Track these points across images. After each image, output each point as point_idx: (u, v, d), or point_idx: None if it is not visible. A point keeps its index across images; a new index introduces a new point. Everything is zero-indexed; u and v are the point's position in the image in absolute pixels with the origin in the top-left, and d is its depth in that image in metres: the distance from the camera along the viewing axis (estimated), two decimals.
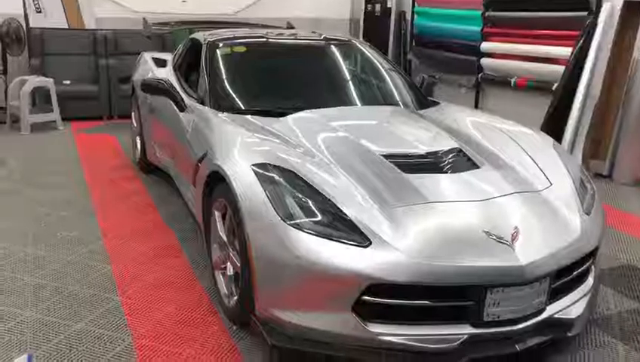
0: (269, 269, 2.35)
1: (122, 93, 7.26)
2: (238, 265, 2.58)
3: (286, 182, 2.44)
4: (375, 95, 3.86)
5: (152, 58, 5.05)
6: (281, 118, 3.25)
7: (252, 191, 2.44)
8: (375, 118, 3.40)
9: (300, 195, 2.39)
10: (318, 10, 8.95)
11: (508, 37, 6.61)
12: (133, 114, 5.30)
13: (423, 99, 3.94)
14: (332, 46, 4.12)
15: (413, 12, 8.20)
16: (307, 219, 2.31)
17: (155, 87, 3.67)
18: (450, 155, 2.85)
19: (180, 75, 4.35)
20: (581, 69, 5.52)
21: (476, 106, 7.11)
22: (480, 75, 7.03)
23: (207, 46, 3.95)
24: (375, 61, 4.14)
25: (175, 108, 3.69)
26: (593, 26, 5.48)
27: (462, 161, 2.82)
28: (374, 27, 8.87)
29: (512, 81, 6.50)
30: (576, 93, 5.49)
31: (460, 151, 2.91)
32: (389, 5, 8.52)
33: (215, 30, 4.62)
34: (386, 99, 3.81)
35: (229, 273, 2.77)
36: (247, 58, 3.95)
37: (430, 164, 2.75)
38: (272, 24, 6.93)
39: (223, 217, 2.84)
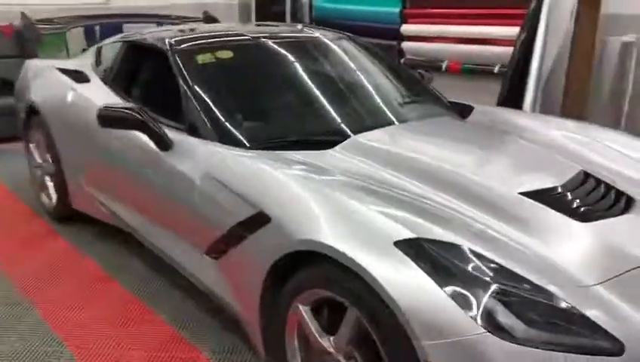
0: None
1: None
2: None
3: (466, 267, 1.62)
4: (411, 104, 3.02)
5: (60, 69, 3.67)
6: (330, 151, 2.37)
7: (417, 288, 1.58)
8: (449, 137, 2.62)
9: (493, 284, 1.59)
10: None
11: (434, 17, 6.15)
12: (31, 146, 3.90)
13: (451, 103, 3.24)
14: (333, 44, 3.22)
15: None
16: (518, 321, 1.53)
17: (124, 120, 2.51)
18: (593, 186, 2.21)
19: (126, 94, 3.15)
20: (529, 50, 5.23)
21: None
22: (402, 61, 6.53)
23: (174, 54, 2.84)
24: (383, 60, 3.33)
25: (152, 146, 2.58)
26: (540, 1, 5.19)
27: (609, 192, 2.19)
28: (268, 12, 7.93)
29: (443, 65, 6.07)
30: (529, 75, 5.21)
31: (591, 176, 2.29)
32: None
33: (144, 29, 3.52)
34: (425, 109, 3.00)
35: None
36: (238, 67, 2.89)
37: (592, 202, 2.09)
38: (154, 12, 5.80)
39: (315, 311, 1.94)
